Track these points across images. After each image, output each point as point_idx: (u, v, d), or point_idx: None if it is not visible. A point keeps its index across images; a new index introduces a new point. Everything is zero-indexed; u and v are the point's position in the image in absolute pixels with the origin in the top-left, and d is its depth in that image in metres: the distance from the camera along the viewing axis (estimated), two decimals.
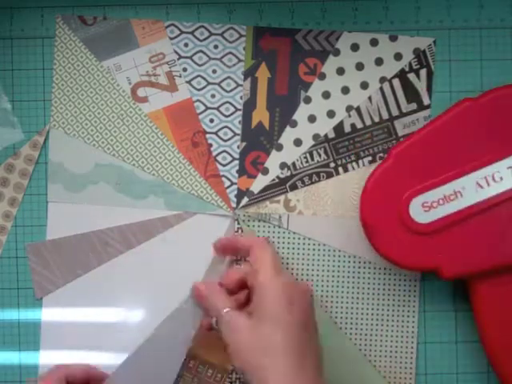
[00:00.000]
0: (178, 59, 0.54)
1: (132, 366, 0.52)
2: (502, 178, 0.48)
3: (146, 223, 0.53)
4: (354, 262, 0.53)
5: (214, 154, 0.54)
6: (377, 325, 0.53)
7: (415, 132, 0.50)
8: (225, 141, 0.54)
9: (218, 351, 0.52)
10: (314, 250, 0.53)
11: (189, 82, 0.54)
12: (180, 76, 0.54)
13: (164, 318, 0.53)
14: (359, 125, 0.53)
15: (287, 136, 0.53)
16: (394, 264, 0.49)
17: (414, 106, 0.53)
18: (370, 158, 0.53)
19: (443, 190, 0.49)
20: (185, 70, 0.54)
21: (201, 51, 0.54)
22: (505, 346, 0.50)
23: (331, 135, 0.53)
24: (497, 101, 0.49)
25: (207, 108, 0.54)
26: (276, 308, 0.44)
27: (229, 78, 0.54)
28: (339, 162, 0.53)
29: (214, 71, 0.54)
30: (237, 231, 0.54)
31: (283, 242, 0.53)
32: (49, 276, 0.53)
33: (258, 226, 0.54)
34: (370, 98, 0.53)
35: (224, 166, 0.54)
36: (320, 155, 0.53)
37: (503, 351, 0.50)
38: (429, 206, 0.49)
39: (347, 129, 0.53)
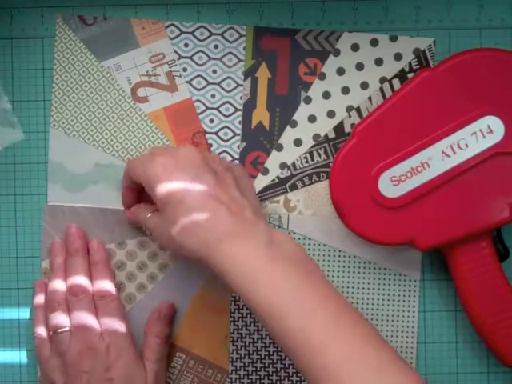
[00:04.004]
0: (178, 59, 0.54)
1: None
2: (467, 145, 0.48)
3: None
4: (354, 262, 0.53)
5: None
6: (377, 325, 0.53)
7: (377, 107, 0.50)
8: (225, 141, 0.54)
9: (203, 343, 0.53)
10: (313, 249, 0.53)
11: (189, 82, 0.54)
12: (180, 76, 0.54)
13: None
14: None
15: (287, 136, 0.53)
16: (369, 241, 0.49)
17: None
18: None
19: (410, 162, 0.49)
20: (185, 69, 0.54)
21: (201, 51, 0.54)
22: (486, 309, 0.49)
23: (331, 135, 0.53)
24: (454, 69, 0.48)
25: (207, 108, 0.54)
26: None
27: (229, 78, 0.54)
28: None
29: (214, 71, 0.54)
30: None
31: None
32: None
33: None
34: (369, 98, 0.53)
35: None
36: (320, 155, 0.53)
37: (486, 316, 0.49)
38: (397, 180, 0.49)
39: (347, 129, 0.53)
